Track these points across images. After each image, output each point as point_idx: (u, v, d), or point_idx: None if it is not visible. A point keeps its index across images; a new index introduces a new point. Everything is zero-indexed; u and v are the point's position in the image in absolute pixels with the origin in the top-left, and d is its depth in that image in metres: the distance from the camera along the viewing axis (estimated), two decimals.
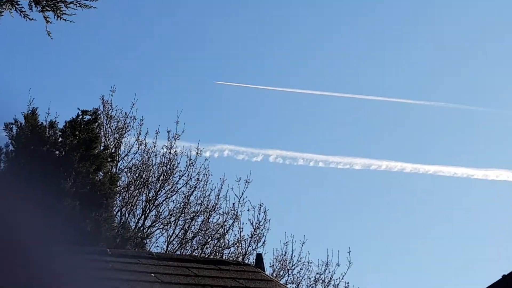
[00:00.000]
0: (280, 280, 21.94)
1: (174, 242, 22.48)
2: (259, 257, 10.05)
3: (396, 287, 36.72)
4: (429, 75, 39.58)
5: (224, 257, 20.98)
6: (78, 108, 19.96)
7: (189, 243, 22.60)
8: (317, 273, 23.00)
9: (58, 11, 10.94)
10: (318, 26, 41.03)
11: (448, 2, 39.65)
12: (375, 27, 41.73)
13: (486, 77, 40.00)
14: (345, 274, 23.05)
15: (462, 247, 37.23)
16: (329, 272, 23.35)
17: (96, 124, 20.37)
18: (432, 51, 40.82)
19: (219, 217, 23.12)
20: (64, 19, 11.06)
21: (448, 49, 40.49)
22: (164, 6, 36.24)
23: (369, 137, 37.67)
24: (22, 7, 10.52)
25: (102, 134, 21.78)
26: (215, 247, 22.58)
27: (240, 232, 23.10)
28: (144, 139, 23.53)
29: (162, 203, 22.93)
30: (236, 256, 21.88)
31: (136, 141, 23.46)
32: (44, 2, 10.99)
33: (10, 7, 10.98)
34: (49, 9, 10.94)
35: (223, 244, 22.73)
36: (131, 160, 23.59)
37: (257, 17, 40.36)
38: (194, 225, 22.90)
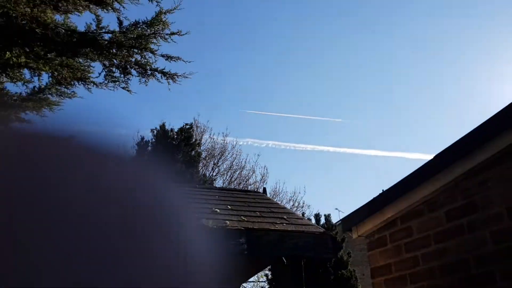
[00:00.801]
0: (274, 200, 22.13)
1: (226, 183, 22.40)
2: (264, 189, 9.90)
3: (326, 202, 35.61)
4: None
5: (248, 189, 20.44)
6: (184, 122, 21.58)
7: (233, 183, 22.44)
8: (290, 196, 23.66)
9: (174, 79, 11.88)
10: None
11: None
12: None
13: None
14: (303, 197, 27.12)
15: None
16: (296, 196, 24.89)
17: (191, 129, 20.34)
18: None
19: (246, 171, 23.34)
20: (177, 83, 11.88)
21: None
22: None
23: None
24: (158, 77, 11.16)
25: (194, 134, 21.06)
26: (244, 185, 22.56)
27: (256, 178, 23.88)
28: (212, 136, 23.52)
29: (220, 165, 22.90)
30: (255, 189, 21.41)
31: (208, 137, 23.49)
32: (168, 75, 11.81)
33: (152, 77, 11.75)
34: (170, 78, 11.58)
35: (248, 184, 22.89)
36: (207, 146, 22.80)
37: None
38: (234, 175, 22.87)
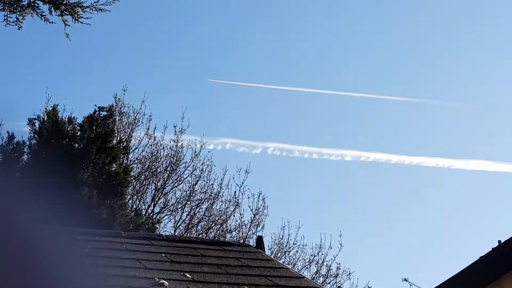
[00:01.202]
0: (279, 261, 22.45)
1: (181, 227, 23.60)
2: (260, 239, 10.37)
3: (383, 267, 37.78)
4: (411, 72, 40.25)
5: (226, 239, 21.84)
6: (95, 105, 21.03)
7: (195, 228, 23.59)
8: (311, 255, 24.28)
9: (76, 15, 12.04)
10: (306, 25, 42.49)
11: None
12: (360, 24, 42.41)
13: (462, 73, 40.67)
14: (337, 255, 24.15)
15: (440, 231, 38.56)
16: (322, 254, 24.51)
17: (111, 119, 21.39)
18: (415, 46, 41.53)
19: (222, 204, 24.37)
20: (81, 22, 12.12)
21: (427, 44, 42.13)
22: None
23: (358, 131, 38.78)
24: (43, 12, 11.38)
25: (116, 129, 22.64)
26: (218, 232, 23.58)
27: (241, 217, 24.26)
28: (153, 133, 24.71)
29: (169, 191, 24.10)
30: (238, 240, 22.21)
31: (145, 135, 24.59)
32: (63, 7, 12.02)
33: (31, 12, 11.91)
34: (68, 13, 11.97)
35: (226, 228, 23.92)
36: (142, 152, 24.61)
37: (251, 15, 41.83)
38: (199, 211, 24.00)
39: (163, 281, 6.33)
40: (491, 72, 39.72)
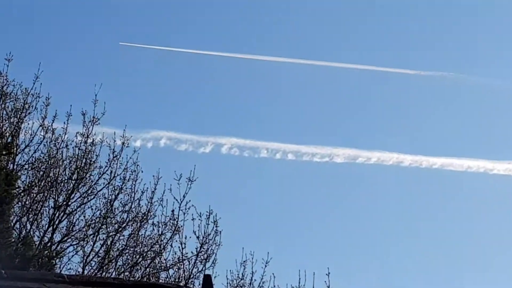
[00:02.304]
0: None
1: (93, 263, 21.45)
2: (208, 279, 9.37)
3: None
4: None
5: (160, 282, 18.43)
6: None
7: (113, 264, 21.54)
8: None
9: None
10: None
11: None
12: None
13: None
14: None
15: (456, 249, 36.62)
16: None
17: None
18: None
19: (154, 229, 22.09)
20: None
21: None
22: None
23: (355, 121, 36.40)
24: None
25: None
26: (148, 269, 21.72)
27: (182, 248, 21.99)
28: (51, 125, 22.15)
29: (76, 210, 21.75)
30: (177, 280, 20.93)
31: (40, 127, 22.08)
32: None
33: None
34: None
35: (159, 264, 21.90)
36: (34, 152, 22.14)
37: None
38: (119, 239, 21.84)
39: None
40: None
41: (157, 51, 34.82)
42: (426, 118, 39.21)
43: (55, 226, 21.41)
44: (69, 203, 21.73)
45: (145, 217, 22.07)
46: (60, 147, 22.21)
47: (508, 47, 42.00)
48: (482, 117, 39.13)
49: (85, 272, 20.84)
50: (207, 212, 21.87)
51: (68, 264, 21.81)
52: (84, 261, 21.38)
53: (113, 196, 22.18)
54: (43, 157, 22.14)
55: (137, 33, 37.29)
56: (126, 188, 22.34)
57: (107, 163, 22.46)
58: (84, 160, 22.20)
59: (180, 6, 39.31)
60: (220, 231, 22.15)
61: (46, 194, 21.63)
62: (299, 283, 21.39)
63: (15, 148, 21.54)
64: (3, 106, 21.98)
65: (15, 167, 21.32)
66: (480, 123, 39.07)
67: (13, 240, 19.86)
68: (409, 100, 37.95)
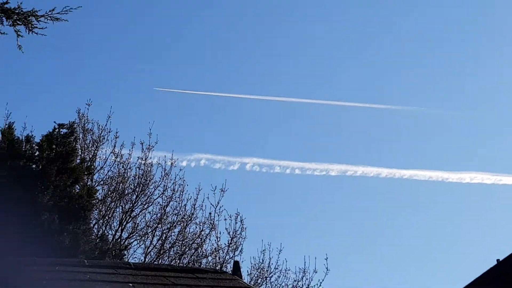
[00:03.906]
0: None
1: (152, 253, 23.57)
2: (236, 265, 10.19)
3: None
4: (400, 81, 41.30)
5: (202, 267, 20.85)
6: (55, 122, 20.78)
7: (167, 254, 23.59)
8: (295, 281, 24.23)
9: (30, 25, 11.93)
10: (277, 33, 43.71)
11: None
12: (342, 31, 44.80)
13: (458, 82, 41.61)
14: (323, 280, 24.13)
15: (435, 249, 39.17)
16: (307, 279, 24.45)
17: (73, 137, 21.33)
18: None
19: (196, 227, 24.54)
20: (35, 33, 12.04)
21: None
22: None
23: (343, 143, 39.31)
24: None
25: (78, 147, 22.75)
26: (192, 257, 23.69)
27: (217, 241, 24.40)
28: (120, 151, 24.76)
29: (138, 214, 24.18)
30: (214, 265, 22.66)
31: (111, 153, 24.65)
32: (16, 16, 11.90)
33: None
34: (20, 23, 11.98)
35: (201, 253, 24.03)
36: (107, 172, 24.62)
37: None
38: (171, 235, 24.07)
39: None
40: (483, 79, 40.55)
41: (184, 94, 36.66)
42: (397, 141, 41.92)
43: (123, 226, 23.68)
44: (133, 209, 24.11)
45: (189, 218, 24.39)
46: (126, 168, 24.66)
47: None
48: (436, 139, 41.63)
49: (146, 260, 22.84)
50: (235, 214, 24.42)
51: (134, 255, 23.91)
52: (145, 252, 23.60)
53: (166, 203, 24.51)
54: (114, 175, 24.56)
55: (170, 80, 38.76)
56: (175, 197, 24.62)
57: (160, 178, 24.74)
58: (143, 177, 24.45)
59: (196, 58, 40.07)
60: (245, 228, 24.55)
61: (116, 203, 23.93)
62: (305, 265, 24.10)
63: (93, 170, 23.43)
64: (84, 139, 24.15)
65: (93, 183, 23.14)
66: (435, 144, 41.58)
67: (92, 237, 20.93)
68: (386, 130, 40.57)
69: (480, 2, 41.23)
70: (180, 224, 24.28)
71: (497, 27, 41.17)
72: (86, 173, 22.11)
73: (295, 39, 41.00)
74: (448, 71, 41.43)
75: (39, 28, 11.76)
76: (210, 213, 24.58)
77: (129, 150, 25.13)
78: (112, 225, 23.68)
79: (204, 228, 24.37)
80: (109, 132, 24.86)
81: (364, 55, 41.87)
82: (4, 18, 11.71)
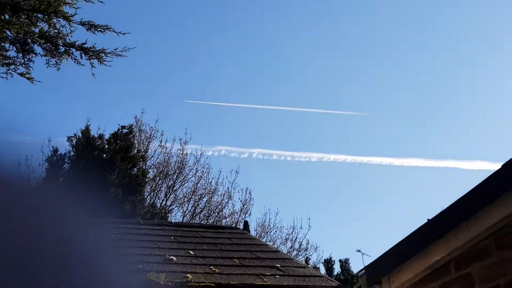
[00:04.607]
0: (261, 239, 22.53)
1: (187, 216, 23.22)
2: (246, 223, 10.31)
3: (342, 242, 38.25)
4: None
5: (222, 225, 19.83)
6: (118, 124, 21.23)
7: (198, 216, 23.24)
8: (287, 234, 24.24)
9: (101, 59, 12.18)
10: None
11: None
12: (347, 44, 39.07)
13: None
14: (306, 234, 24.31)
15: (386, 215, 38.84)
16: (295, 233, 24.51)
17: (131, 135, 21.23)
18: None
19: (218, 197, 24.02)
20: (105, 64, 12.29)
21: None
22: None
23: (320, 138, 38.78)
24: (75, 56, 11.69)
25: (135, 142, 22.32)
26: (215, 218, 23.35)
27: (233, 207, 24.22)
28: (165, 145, 24.20)
29: (178, 188, 23.68)
30: (231, 224, 22.16)
31: (159, 146, 24.10)
32: (91, 52, 12.09)
33: (66, 56, 11.98)
34: (94, 57, 12.16)
35: (221, 216, 23.64)
36: (156, 159, 24.07)
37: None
38: (200, 203, 23.68)
39: (172, 257, 6.33)
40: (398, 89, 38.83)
41: (208, 105, 36.43)
42: (357, 136, 41.11)
43: (167, 197, 23.05)
44: (174, 185, 23.39)
45: (213, 192, 23.63)
46: (169, 156, 23.82)
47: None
48: (385, 134, 40.78)
49: (183, 220, 22.04)
50: (245, 188, 24.01)
51: (174, 217, 23.30)
52: (182, 215, 23.06)
53: (197, 181, 23.73)
54: (160, 162, 23.74)
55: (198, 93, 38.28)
56: (203, 177, 23.85)
57: (193, 164, 24.06)
58: (181, 163, 23.72)
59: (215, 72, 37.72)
60: (252, 198, 24.11)
61: (162, 181, 23.24)
62: (294, 223, 24.71)
63: (146, 158, 22.75)
64: (140, 136, 23.29)
65: (146, 167, 22.47)
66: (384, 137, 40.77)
67: (146, 205, 20.93)
68: (351, 129, 39.96)
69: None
70: (207, 196, 23.88)
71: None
72: (141, 160, 22.03)
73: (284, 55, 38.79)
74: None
75: (107, 61, 11.95)
76: (228, 188, 24.41)
77: (171, 144, 24.58)
78: (159, 196, 23.30)
79: (223, 198, 23.98)
80: (157, 131, 24.41)
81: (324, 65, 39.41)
82: (83, 54, 11.86)
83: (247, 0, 38.16)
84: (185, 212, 23.43)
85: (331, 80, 37.63)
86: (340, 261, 23.20)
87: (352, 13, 37.44)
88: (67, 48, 9.73)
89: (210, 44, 36.89)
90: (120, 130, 20.78)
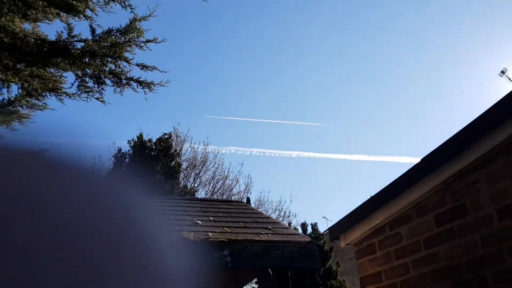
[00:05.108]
0: (258, 210, 22.40)
1: (208, 194, 22.52)
2: (248, 199, 10.46)
3: (313, 211, 37.60)
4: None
5: (232, 200, 20.09)
6: (162, 132, 21.42)
7: (215, 194, 22.47)
8: (276, 206, 24.10)
9: (150, 88, 12.20)
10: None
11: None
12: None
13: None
14: (289, 206, 25.14)
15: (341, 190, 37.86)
16: (281, 205, 25.15)
17: (170, 139, 20.82)
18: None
19: (229, 181, 23.21)
20: (153, 92, 12.38)
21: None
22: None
23: (299, 140, 38.15)
24: (133, 86, 12.21)
25: (173, 144, 21.66)
26: (227, 196, 22.45)
27: (239, 188, 25.00)
28: (193, 146, 23.60)
29: (202, 175, 23.04)
30: (238, 199, 21.20)
31: (189, 147, 23.59)
32: (144, 84, 12.12)
33: (127, 86, 12.01)
34: (146, 87, 12.16)
35: (231, 194, 23.07)
36: (187, 156, 23.29)
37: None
38: (217, 185, 23.09)
39: (198, 221, 6.18)
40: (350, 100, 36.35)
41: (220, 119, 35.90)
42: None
43: (195, 181, 22.36)
44: (200, 173, 22.65)
45: (226, 177, 22.89)
46: (195, 154, 23.19)
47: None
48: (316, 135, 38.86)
49: (206, 197, 21.17)
50: (248, 175, 25.11)
51: (199, 194, 22.25)
52: (205, 193, 22.38)
53: (215, 170, 23.09)
54: (190, 157, 23.08)
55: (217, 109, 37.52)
56: (220, 167, 23.26)
57: (213, 158, 23.36)
58: (204, 158, 23.11)
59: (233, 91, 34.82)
60: (253, 182, 25.40)
61: (191, 170, 22.60)
62: (280, 199, 26.78)
63: (180, 155, 21.99)
64: (176, 140, 22.74)
65: (180, 161, 21.33)
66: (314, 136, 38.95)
67: (180, 186, 20.10)
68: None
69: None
70: (221, 180, 23.22)
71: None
72: (177, 156, 21.13)
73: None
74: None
75: (155, 90, 12.03)
76: (236, 175, 26.74)
77: (197, 145, 23.98)
78: (189, 181, 22.53)
79: (233, 182, 23.51)
80: (188, 137, 23.83)
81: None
82: (138, 85, 11.90)
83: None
84: (207, 191, 23.02)
85: (302, 96, 36.12)
86: (311, 224, 23.07)
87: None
88: (128, 81, 9.73)
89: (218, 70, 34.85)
90: (163, 136, 20.41)
